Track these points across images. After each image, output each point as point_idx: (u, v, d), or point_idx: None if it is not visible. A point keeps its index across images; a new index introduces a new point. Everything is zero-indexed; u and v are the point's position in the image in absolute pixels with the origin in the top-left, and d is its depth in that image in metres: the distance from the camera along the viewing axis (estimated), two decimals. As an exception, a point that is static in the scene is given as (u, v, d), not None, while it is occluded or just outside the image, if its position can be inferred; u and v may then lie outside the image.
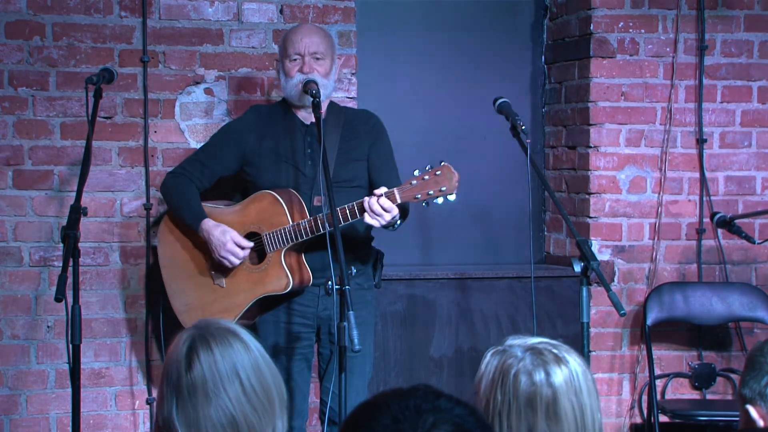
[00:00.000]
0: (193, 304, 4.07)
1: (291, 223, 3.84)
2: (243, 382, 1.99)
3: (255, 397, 2.00)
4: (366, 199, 3.69)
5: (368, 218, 3.69)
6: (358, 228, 3.93)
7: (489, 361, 2.07)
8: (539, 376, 2.01)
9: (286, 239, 3.84)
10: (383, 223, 3.70)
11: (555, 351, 2.05)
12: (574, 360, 2.05)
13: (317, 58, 3.93)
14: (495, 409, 2.02)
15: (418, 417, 1.51)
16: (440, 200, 3.65)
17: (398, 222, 3.77)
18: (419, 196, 3.65)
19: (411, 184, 3.66)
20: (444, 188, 3.62)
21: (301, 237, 3.81)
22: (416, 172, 3.66)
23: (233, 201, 4.20)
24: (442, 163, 3.65)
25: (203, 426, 1.96)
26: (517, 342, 2.09)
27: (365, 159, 4.02)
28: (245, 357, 2.01)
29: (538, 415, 1.99)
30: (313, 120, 3.94)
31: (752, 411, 2.36)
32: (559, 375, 2.01)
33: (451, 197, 3.65)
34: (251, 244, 3.90)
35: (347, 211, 3.72)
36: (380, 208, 3.65)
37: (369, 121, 4.08)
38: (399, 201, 3.67)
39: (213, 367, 1.98)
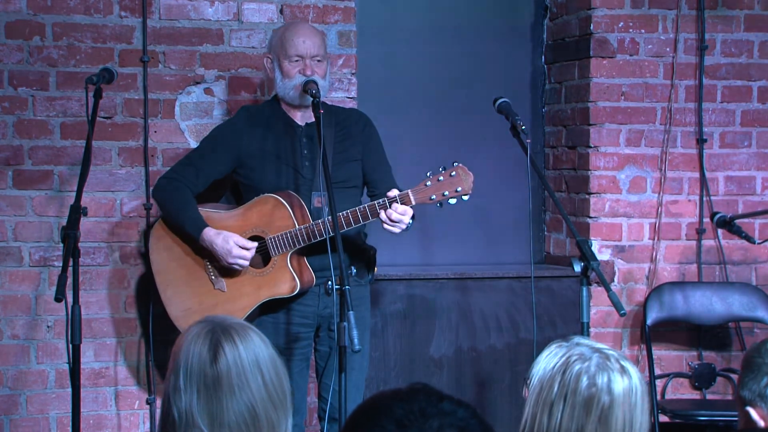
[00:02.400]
0: (192, 309, 4.04)
1: (296, 226, 3.84)
2: (264, 376, 2.04)
3: (274, 391, 2.04)
4: (376, 203, 3.72)
5: (388, 227, 3.72)
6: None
7: (553, 351, 2.09)
8: (602, 380, 2.02)
9: (292, 242, 3.84)
10: (403, 228, 3.72)
11: (622, 362, 2.06)
12: (636, 375, 2.07)
13: (318, 60, 3.94)
14: (548, 398, 2.04)
15: (424, 421, 1.50)
16: (454, 201, 3.68)
17: (410, 222, 3.79)
18: (434, 197, 3.68)
19: (425, 185, 3.69)
20: (459, 189, 3.67)
21: (308, 240, 3.82)
22: (429, 173, 3.68)
23: (220, 202, 4.20)
24: (457, 164, 3.68)
25: (226, 418, 1.99)
26: (586, 342, 2.10)
27: (360, 159, 4.04)
28: (265, 351, 2.06)
29: (591, 417, 2.00)
30: (308, 121, 3.97)
31: (753, 413, 2.36)
32: (619, 384, 2.03)
33: (466, 197, 3.68)
34: (255, 243, 3.90)
35: (358, 214, 3.73)
36: (399, 216, 3.68)
37: (360, 121, 4.10)
38: (414, 203, 3.70)
39: (238, 360, 2.02)
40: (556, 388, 2.03)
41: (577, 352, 2.06)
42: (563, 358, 2.06)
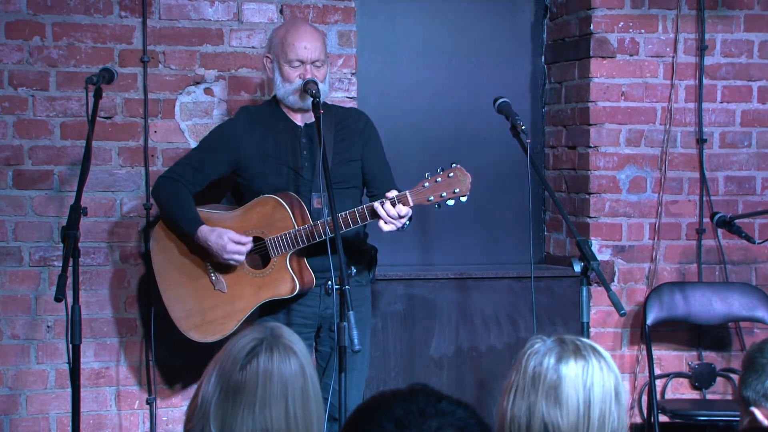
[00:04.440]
0: (192, 310, 4.05)
1: (296, 227, 3.84)
2: (288, 405, 1.95)
3: (294, 425, 1.95)
4: (376, 204, 3.71)
5: (384, 225, 3.72)
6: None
7: (528, 344, 2.11)
8: (549, 360, 2.03)
9: (292, 243, 3.84)
10: (399, 225, 3.72)
11: (579, 345, 2.05)
12: (599, 360, 2.05)
13: (318, 65, 3.94)
14: (506, 383, 2.05)
15: (423, 421, 1.50)
16: (452, 202, 3.68)
17: (407, 223, 3.79)
18: (432, 198, 3.68)
19: (423, 186, 3.69)
20: (457, 190, 3.67)
21: (307, 241, 3.82)
22: (427, 175, 3.69)
23: (221, 203, 4.20)
24: (455, 165, 3.69)
25: (237, 430, 1.93)
26: (568, 336, 2.10)
27: (359, 159, 4.04)
28: (298, 381, 1.97)
29: (539, 393, 2.00)
30: (308, 121, 3.97)
31: (758, 413, 2.36)
32: (572, 366, 2.02)
33: (463, 199, 3.69)
34: (249, 238, 3.90)
35: (357, 215, 3.73)
36: (397, 214, 3.68)
37: (360, 120, 4.09)
38: (412, 204, 3.70)
39: (267, 377, 1.95)
40: (513, 374, 2.06)
41: (540, 342, 2.08)
42: (524, 349, 2.09)
